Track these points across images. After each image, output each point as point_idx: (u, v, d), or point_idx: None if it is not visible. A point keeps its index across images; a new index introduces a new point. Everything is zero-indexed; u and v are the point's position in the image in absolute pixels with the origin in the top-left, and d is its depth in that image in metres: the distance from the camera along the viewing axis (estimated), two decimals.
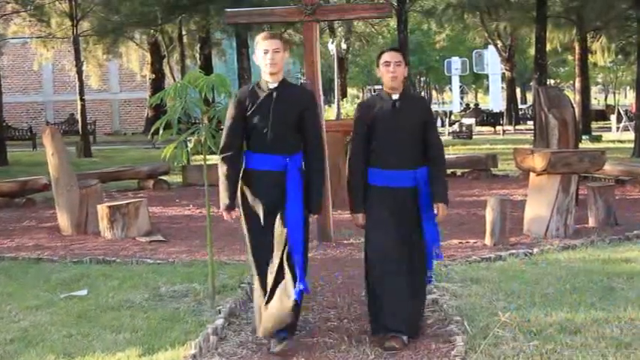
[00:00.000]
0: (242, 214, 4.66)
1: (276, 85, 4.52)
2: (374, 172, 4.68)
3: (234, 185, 4.58)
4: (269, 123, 4.47)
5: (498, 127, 29.63)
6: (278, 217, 4.49)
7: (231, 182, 4.58)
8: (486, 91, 55.28)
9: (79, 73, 23.06)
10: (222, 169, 4.60)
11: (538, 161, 7.83)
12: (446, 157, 5.07)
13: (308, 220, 4.61)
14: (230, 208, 4.59)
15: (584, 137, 21.67)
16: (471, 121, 28.96)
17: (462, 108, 41.39)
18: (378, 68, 4.73)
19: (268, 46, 4.46)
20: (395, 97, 4.68)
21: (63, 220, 9.00)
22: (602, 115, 34.90)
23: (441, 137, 5.02)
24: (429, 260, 4.79)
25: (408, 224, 4.66)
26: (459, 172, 13.84)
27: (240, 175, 4.63)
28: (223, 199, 4.60)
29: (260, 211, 4.54)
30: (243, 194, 4.64)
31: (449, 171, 13.65)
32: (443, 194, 4.71)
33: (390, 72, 4.64)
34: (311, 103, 4.64)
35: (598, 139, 22.80)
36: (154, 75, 31.90)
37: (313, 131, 4.62)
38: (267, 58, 4.46)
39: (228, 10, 8.56)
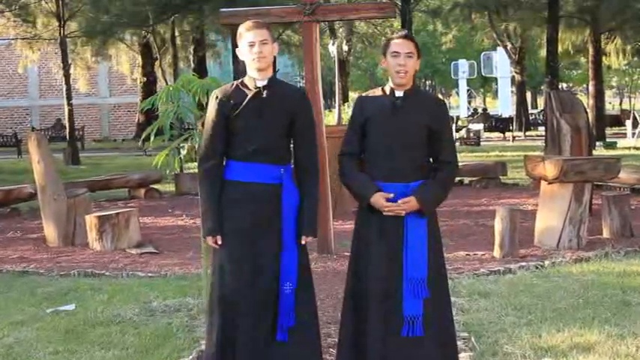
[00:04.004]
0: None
1: (265, 82, 4.03)
2: None
3: (219, 203, 4.04)
4: (260, 126, 4.00)
5: (508, 133, 29.64)
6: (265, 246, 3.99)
7: (217, 200, 4.03)
8: (495, 95, 55.38)
9: (67, 76, 23.11)
10: (204, 184, 4.08)
11: (550, 169, 7.84)
12: None
13: (305, 247, 4.10)
14: (218, 231, 4.00)
15: (598, 144, 21.69)
16: (479, 126, 28.99)
17: (470, 113, 41.44)
18: (385, 59, 4.03)
19: (254, 38, 3.97)
20: (399, 94, 4.01)
21: (49, 231, 9.01)
22: (617, 120, 34.92)
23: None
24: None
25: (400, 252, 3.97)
26: (466, 180, 13.84)
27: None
28: (209, 221, 4.02)
29: (242, 231, 3.99)
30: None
31: (456, 179, 13.67)
32: (426, 199, 3.94)
33: (399, 65, 3.95)
34: (305, 105, 4.14)
35: (613, 145, 22.82)
36: (145, 78, 32.00)
37: (307, 139, 4.14)
38: (253, 51, 3.98)
39: (223, 10, 8.58)
